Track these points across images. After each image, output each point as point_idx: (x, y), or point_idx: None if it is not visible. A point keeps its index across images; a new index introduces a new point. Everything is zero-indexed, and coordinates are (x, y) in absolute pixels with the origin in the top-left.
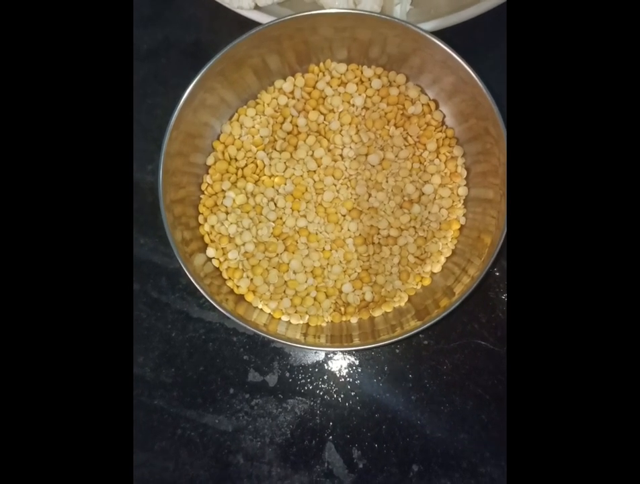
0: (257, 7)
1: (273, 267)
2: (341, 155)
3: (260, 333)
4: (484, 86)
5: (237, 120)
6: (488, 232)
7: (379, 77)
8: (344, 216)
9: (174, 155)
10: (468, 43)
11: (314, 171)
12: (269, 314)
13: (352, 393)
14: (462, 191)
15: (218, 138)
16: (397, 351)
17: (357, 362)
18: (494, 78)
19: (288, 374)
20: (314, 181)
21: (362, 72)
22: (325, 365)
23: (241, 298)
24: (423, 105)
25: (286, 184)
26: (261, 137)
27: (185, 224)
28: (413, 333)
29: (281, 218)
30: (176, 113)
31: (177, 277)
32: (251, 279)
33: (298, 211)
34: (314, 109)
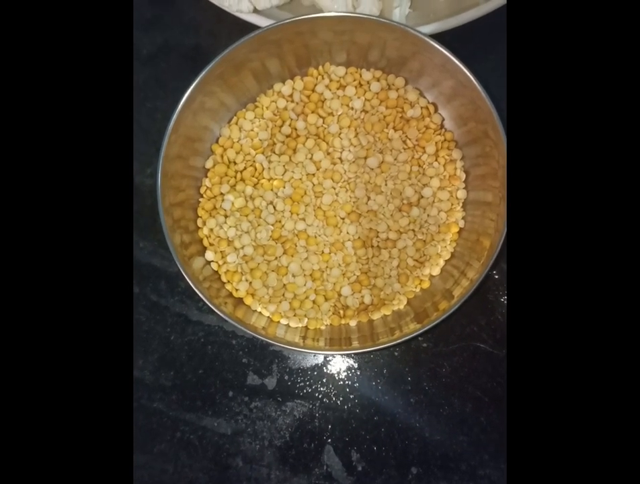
0: (256, 11)
1: (272, 271)
2: (340, 158)
3: (258, 336)
4: (482, 89)
5: (236, 124)
6: (487, 235)
7: (378, 80)
8: (343, 219)
9: (173, 158)
10: (468, 46)
11: (313, 174)
12: (268, 317)
13: (351, 396)
14: (461, 194)
15: (217, 142)
16: (396, 354)
17: (356, 365)
18: (493, 81)
19: (287, 377)
20: (313, 184)
21: (360, 76)
22: (324, 368)
23: (239, 301)
24: (422, 108)
25: (284, 187)
26: (260, 140)
27: (184, 227)
28: (411, 336)
29: (280, 221)
30: (175, 116)
31: (176, 281)
32: (250, 282)
33: (297, 214)
34: (313, 112)
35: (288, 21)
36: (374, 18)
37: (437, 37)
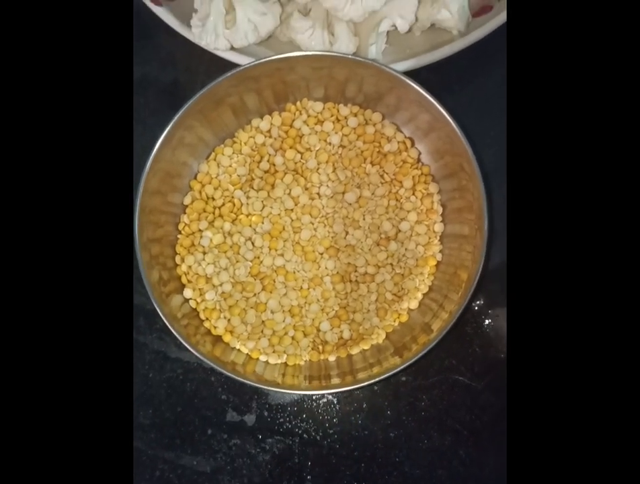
0: (233, 48)
1: (251, 307)
2: (318, 193)
3: (236, 377)
4: (456, 124)
5: (214, 159)
6: (464, 267)
7: (355, 116)
8: (321, 254)
9: (152, 194)
10: (444, 80)
11: (292, 210)
12: (247, 354)
13: (330, 431)
14: (438, 227)
15: (195, 178)
16: (375, 388)
17: (335, 400)
18: (469, 114)
19: (266, 413)
20: (292, 220)
21: (338, 111)
22: (304, 403)
23: (218, 338)
24: (399, 142)
25: (263, 223)
26: (238, 176)
27: (162, 264)
28: (392, 373)
29: (258, 257)
30: (155, 150)
31: (154, 317)
32: (229, 319)
33: (276, 250)
34: (291, 147)
35: (266, 59)
36: (350, 57)
37: (414, 71)
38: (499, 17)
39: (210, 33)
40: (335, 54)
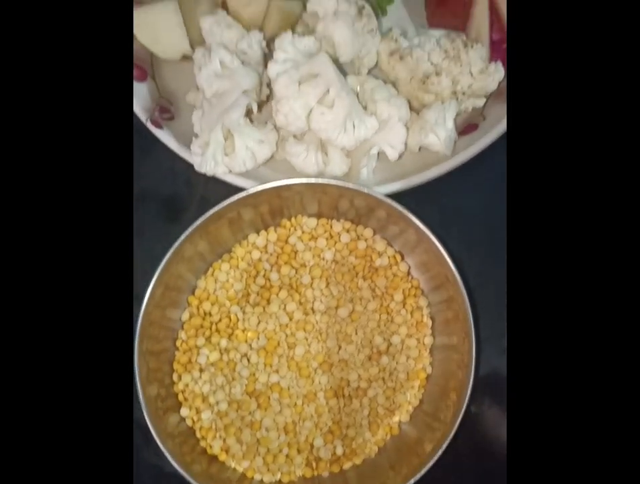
0: (231, 172)
1: (246, 426)
2: (312, 309)
3: None
4: (436, 238)
5: (212, 275)
6: (454, 378)
7: (347, 232)
8: (315, 369)
9: (153, 307)
10: (431, 194)
11: (287, 325)
12: (242, 473)
13: None
14: (428, 340)
15: (193, 293)
16: None
17: None
18: (455, 226)
19: None
20: (287, 335)
21: (331, 227)
22: None
23: (214, 457)
24: (389, 257)
25: (259, 338)
26: (235, 291)
27: (160, 380)
28: None
29: (254, 375)
30: (163, 263)
31: (150, 432)
32: (224, 438)
33: (271, 366)
34: (286, 263)
35: (263, 188)
36: (341, 184)
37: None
38: (485, 138)
39: (209, 161)
40: (327, 181)
